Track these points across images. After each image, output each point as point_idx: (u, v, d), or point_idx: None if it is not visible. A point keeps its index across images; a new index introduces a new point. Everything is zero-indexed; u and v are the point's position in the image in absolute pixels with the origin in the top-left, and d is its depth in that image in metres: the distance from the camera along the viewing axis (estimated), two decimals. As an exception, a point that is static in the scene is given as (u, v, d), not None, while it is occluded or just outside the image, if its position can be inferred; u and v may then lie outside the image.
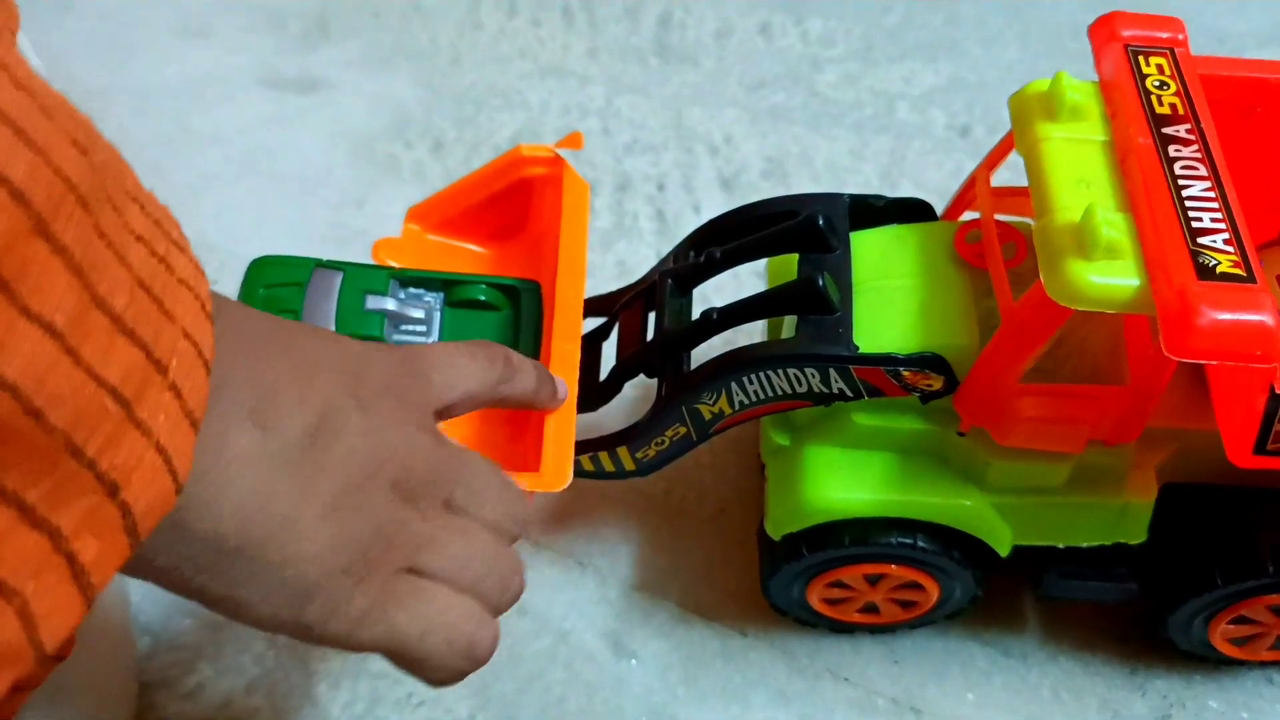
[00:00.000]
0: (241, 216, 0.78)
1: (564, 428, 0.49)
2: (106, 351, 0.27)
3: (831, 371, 0.48)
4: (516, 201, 0.59)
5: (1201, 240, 0.42)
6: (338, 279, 0.55)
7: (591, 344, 0.57)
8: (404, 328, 0.55)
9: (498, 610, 0.41)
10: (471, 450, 0.42)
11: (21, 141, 0.24)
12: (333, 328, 0.53)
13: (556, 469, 0.48)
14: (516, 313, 0.56)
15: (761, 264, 0.59)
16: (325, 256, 0.56)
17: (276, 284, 0.55)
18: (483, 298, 0.56)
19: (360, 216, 0.78)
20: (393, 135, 0.82)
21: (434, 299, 0.57)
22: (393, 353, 0.41)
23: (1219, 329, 0.39)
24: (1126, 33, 0.48)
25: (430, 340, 0.55)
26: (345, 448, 0.36)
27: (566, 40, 0.88)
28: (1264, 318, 0.39)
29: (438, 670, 0.39)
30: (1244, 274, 0.41)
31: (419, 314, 0.55)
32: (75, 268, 0.26)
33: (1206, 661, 0.57)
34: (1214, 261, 0.41)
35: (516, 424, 0.55)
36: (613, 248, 0.75)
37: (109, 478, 0.27)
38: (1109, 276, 0.41)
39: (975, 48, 0.86)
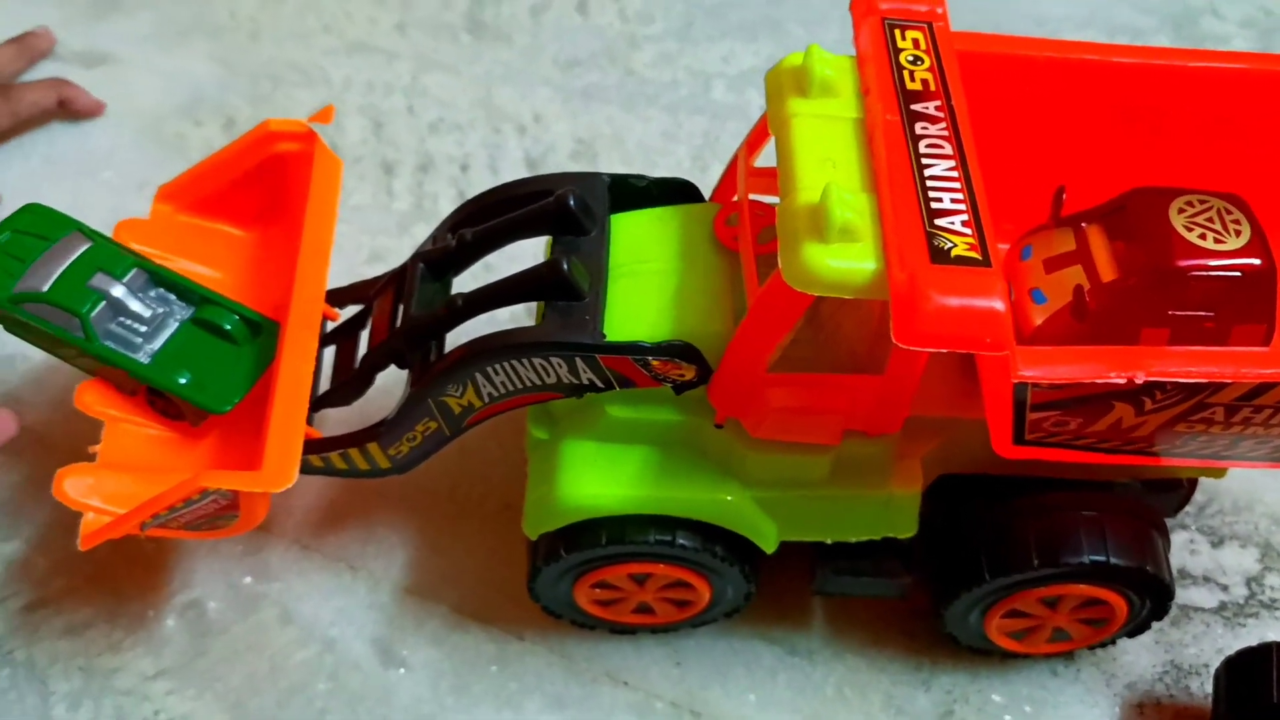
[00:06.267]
0: (14, 201, 0.72)
1: (290, 423, 0.45)
2: None
3: (578, 361, 0.45)
4: (271, 180, 0.55)
5: (939, 222, 0.40)
6: (82, 248, 0.52)
7: (348, 334, 0.53)
8: (121, 320, 0.51)
9: None
10: None
11: None
12: (46, 288, 0.50)
13: (279, 467, 0.44)
14: (254, 346, 0.52)
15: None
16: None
17: (27, 231, 0.52)
18: (228, 327, 0.52)
19: (141, 200, 0.72)
20: (182, 114, 0.78)
21: (182, 310, 0.53)
22: None
23: (946, 314, 0.37)
24: (885, 5, 0.46)
25: (153, 345, 0.51)
26: None
27: (374, 14, 0.84)
28: (993, 303, 0.38)
29: None
30: (979, 257, 0.39)
31: (147, 313, 0.51)
32: None
33: (993, 656, 0.56)
34: (949, 244, 0.39)
35: (259, 420, 0.51)
36: (410, 230, 0.72)
37: None
38: (844, 260, 0.39)
39: (797, 28, 0.84)
